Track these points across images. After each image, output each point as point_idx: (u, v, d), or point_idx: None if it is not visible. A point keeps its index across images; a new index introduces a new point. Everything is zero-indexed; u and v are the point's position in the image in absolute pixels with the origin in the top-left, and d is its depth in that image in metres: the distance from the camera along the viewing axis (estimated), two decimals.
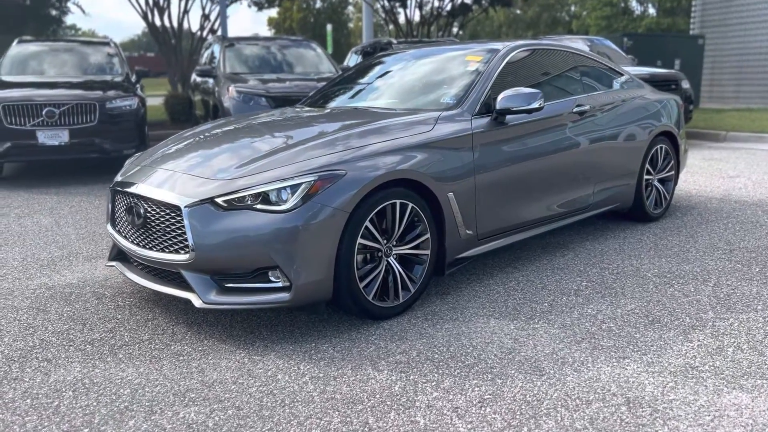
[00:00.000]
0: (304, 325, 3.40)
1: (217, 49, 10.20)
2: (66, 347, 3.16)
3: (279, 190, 3.09)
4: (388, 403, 2.59)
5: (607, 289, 3.84)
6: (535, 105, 3.94)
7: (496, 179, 3.90)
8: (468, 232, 3.78)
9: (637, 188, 5.12)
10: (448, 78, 4.28)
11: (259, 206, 3.07)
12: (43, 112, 7.49)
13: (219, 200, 3.09)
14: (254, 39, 11.02)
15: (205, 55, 11.31)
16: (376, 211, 3.27)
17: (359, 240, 3.21)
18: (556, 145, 4.33)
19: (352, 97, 4.61)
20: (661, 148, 5.31)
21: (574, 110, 4.51)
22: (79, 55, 9.21)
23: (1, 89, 7.81)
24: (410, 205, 3.42)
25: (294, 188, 3.09)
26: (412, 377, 2.80)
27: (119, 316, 3.55)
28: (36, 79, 8.46)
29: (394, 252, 3.44)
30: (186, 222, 3.11)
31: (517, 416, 2.49)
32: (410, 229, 3.50)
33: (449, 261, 3.74)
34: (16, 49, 9.14)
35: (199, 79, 10.58)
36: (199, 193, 3.16)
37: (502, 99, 3.92)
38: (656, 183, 5.36)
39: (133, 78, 9.20)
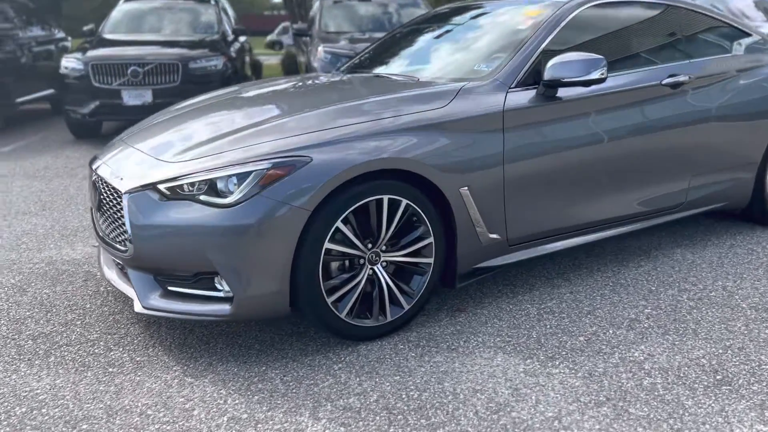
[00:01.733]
0: (272, 336, 2.83)
1: (316, 6, 9.73)
2: (6, 341, 2.84)
3: (227, 178, 2.51)
4: None
5: (675, 322, 2.91)
6: (594, 75, 3.01)
7: (537, 170, 3.06)
8: (492, 236, 2.99)
9: (757, 184, 3.97)
10: (495, 39, 3.43)
11: (203, 197, 2.51)
12: (128, 72, 7.43)
13: (161, 187, 2.57)
14: None
15: (311, 12, 10.91)
16: (353, 208, 2.60)
17: (327, 244, 2.56)
18: (634, 127, 3.35)
19: (384, 62, 3.87)
20: None
21: (665, 82, 3.47)
22: (179, 14, 9.12)
23: (96, 48, 7.88)
24: (404, 201, 2.70)
25: (242, 177, 2.49)
26: None
27: (88, 305, 3.19)
28: (132, 37, 8.47)
29: (383, 259, 2.76)
30: (125, 209, 2.63)
31: None
32: (407, 232, 2.80)
33: (463, 272, 2.99)
34: (121, 7, 9.23)
35: (301, 39, 10.22)
36: (144, 177, 2.66)
37: (551, 67, 3.03)
38: None
39: (231, 37, 9.00)
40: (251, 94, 3.66)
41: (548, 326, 2.90)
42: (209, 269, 2.50)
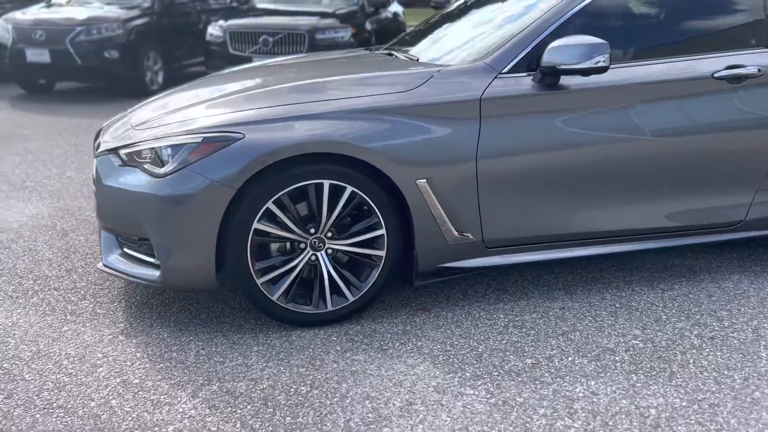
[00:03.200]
0: (222, 307, 2.86)
1: None
2: (13, 278, 3.18)
3: (165, 149, 2.55)
4: None
5: (657, 361, 2.45)
6: (591, 63, 2.59)
7: (527, 168, 2.71)
8: (461, 234, 2.73)
9: None
10: (512, 20, 3.07)
11: (147, 165, 2.59)
12: (260, 40, 7.82)
13: (121, 152, 2.69)
14: None
15: None
16: (287, 191, 2.52)
17: (257, 225, 2.52)
18: (662, 127, 2.82)
19: (418, 40, 3.60)
20: None
21: (719, 74, 2.88)
22: None
23: (237, 17, 8.38)
24: (349, 188, 2.56)
25: (175, 149, 2.52)
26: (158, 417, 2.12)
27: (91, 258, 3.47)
28: (277, 7, 8.86)
29: (328, 246, 2.65)
30: (93, 170, 2.80)
31: None
32: (359, 221, 2.66)
33: (426, 270, 2.77)
34: None
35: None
36: (112, 143, 2.80)
37: (549, 51, 2.64)
38: None
39: (371, 9, 9.06)
40: (254, 66, 3.69)
41: (503, 341, 2.60)
42: (142, 235, 2.59)
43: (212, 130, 2.52)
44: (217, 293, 3.00)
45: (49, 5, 9.39)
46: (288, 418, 2.13)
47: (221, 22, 8.26)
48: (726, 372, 2.39)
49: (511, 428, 2.08)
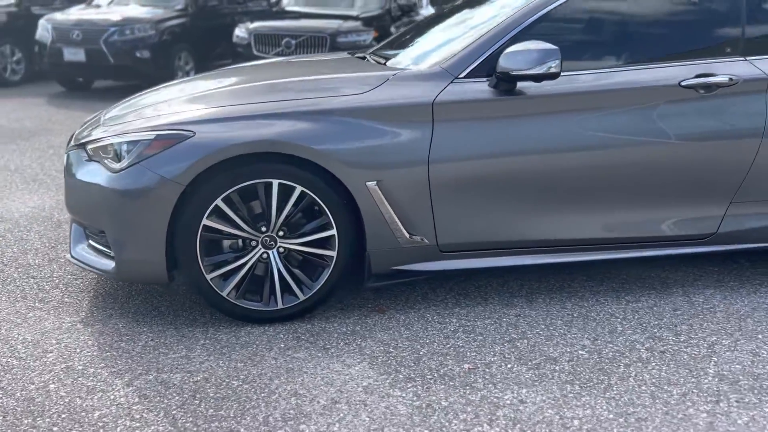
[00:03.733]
0: (183, 301, 2.94)
1: None
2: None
3: (122, 144, 2.65)
4: None
5: (597, 372, 2.40)
6: (543, 69, 2.56)
7: (474, 173, 2.71)
8: (413, 237, 2.74)
9: None
10: (479, 26, 3.05)
11: (107, 161, 2.69)
12: (282, 43, 7.96)
13: (88, 147, 2.80)
14: None
15: None
16: (236, 188, 2.57)
17: (206, 221, 2.58)
18: (630, 133, 2.77)
19: (400, 44, 3.60)
20: None
21: (687, 82, 2.80)
22: None
23: (262, 19, 8.53)
24: (298, 188, 2.60)
25: (131, 145, 2.61)
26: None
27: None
28: (303, 9, 8.99)
29: (279, 245, 2.70)
30: (65, 163, 2.93)
31: None
32: (311, 220, 2.70)
33: (379, 271, 2.79)
34: None
35: None
36: (82, 138, 2.91)
37: (503, 56, 2.64)
38: None
39: (398, 13, 9.10)
40: (239, 67, 3.77)
41: (447, 346, 2.59)
42: (101, 227, 2.68)
43: (165, 128, 2.60)
44: (183, 287, 3.08)
45: (89, 6, 9.77)
46: (210, 410, 2.18)
47: (247, 24, 8.43)
48: (665, 387, 2.32)
49: (426, 431, 2.08)
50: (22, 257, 3.44)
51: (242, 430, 2.09)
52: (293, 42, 7.92)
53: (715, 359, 2.51)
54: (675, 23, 2.97)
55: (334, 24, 8.09)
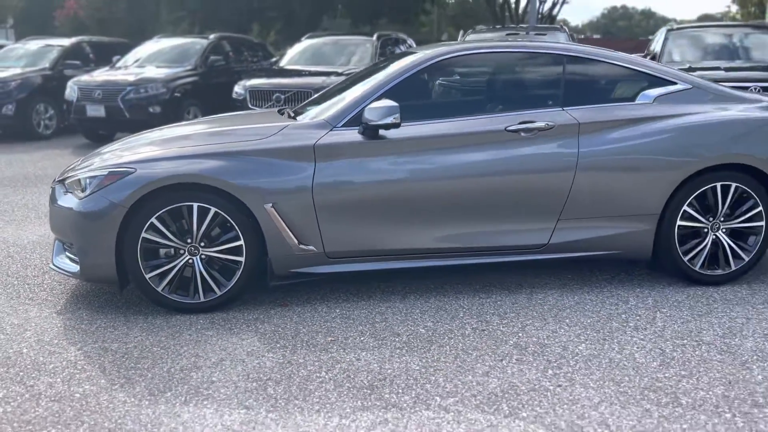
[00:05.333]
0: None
1: (660, 33, 9.67)
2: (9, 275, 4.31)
3: (86, 179, 3.61)
4: None
5: (425, 343, 3.22)
6: (388, 120, 3.47)
7: (349, 197, 3.59)
8: (305, 247, 3.61)
9: (658, 235, 3.82)
10: (363, 86, 3.97)
11: (77, 191, 3.65)
12: (273, 97, 9.03)
13: (65, 182, 3.78)
14: (704, 26, 9.91)
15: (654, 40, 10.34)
16: (166, 210, 3.50)
17: (145, 234, 3.50)
18: (468, 167, 3.64)
19: (314, 102, 4.54)
20: (725, 187, 3.79)
21: (511, 128, 3.66)
22: (342, 48, 10.57)
23: (257, 77, 9.64)
24: (213, 209, 3.52)
25: (92, 179, 3.57)
26: None
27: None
28: (295, 67, 10.11)
29: (201, 252, 3.60)
30: (50, 195, 3.90)
31: None
32: (225, 233, 3.60)
33: (280, 273, 3.66)
34: (302, 43, 10.99)
35: None
36: (64, 175, 3.89)
37: (366, 110, 3.56)
38: (720, 234, 3.86)
39: None
40: (190, 122, 4.78)
41: (322, 327, 3.43)
42: (71, 240, 3.63)
43: (115, 167, 3.56)
44: (134, 290, 3.99)
45: (112, 69, 11.08)
46: (132, 364, 3.05)
47: (244, 82, 9.54)
48: (469, 351, 3.12)
49: (283, 379, 2.91)
50: (23, 270, 4.40)
51: (150, 375, 2.95)
52: (282, 97, 8.98)
53: (520, 334, 3.30)
54: (509, 83, 3.88)
55: (318, 80, 9.13)
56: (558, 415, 2.60)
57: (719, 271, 3.90)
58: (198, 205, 3.52)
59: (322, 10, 28.79)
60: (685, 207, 3.80)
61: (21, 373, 2.99)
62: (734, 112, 3.89)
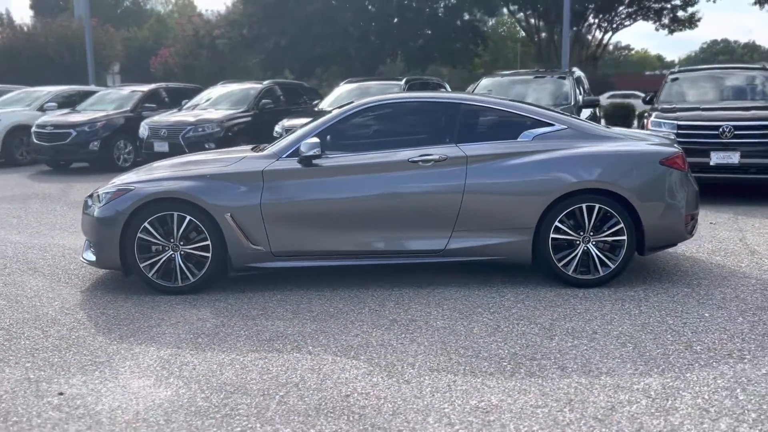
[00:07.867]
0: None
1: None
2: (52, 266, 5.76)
3: (103, 193, 5.00)
4: None
5: (329, 319, 4.32)
6: (311, 153, 4.67)
7: (289, 210, 4.79)
8: (256, 247, 4.82)
9: (536, 245, 4.77)
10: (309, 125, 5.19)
11: (97, 203, 5.04)
12: None
13: (93, 195, 5.18)
14: (706, 68, 10.63)
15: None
16: (156, 216, 4.81)
17: (140, 235, 4.82)
18: (379, 188, 4.76)
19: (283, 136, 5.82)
20: (590, 207, 4.70)
21: (413, 159, 4.76)
22: (373, 91, 11.88)
23: (296, 117, 11.07)
24: (188, 217, 4.80)
25: (106, 194, 4.95)
26: None
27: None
28: (330, 108, 11.48)
29: (181, 249, 4.88)
30: (83, 206, 5.32)
31: None
32: (198, 235, 4.87)
33: (238, 266, 4.89)
34: (340, 87, 12.40)
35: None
36: (93, 192, 5.30)
37: (302, 144, 4.77)
38: (590, 246, 4.76)
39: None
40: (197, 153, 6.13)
41: (262, 306, 4.60)
42: (91, 238, 5.01)
43: (121, 186, 4.93)
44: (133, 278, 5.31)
45: (179, 110, 12.89)
46: (116, 322, 4.33)
47: (283, 122, 10.99)
48: (367, 329, 4.19)
49: (212, 334, 4.09)
50: (69, 265, 5.85)
51: (124, 328, 4.22)
52: None
53: (402, 314, 4.34)
54: (416, 124, 4.99)
55: None
56: (385, 359, 3.64)
57: (589, 276, 4.80)
58: (177, 214, 4.81)
59: (377, 55, 30.53)
60: (556, 223, 4.75)
61: (42, 324, 4.33)
62: (601, 147, 4.83)
